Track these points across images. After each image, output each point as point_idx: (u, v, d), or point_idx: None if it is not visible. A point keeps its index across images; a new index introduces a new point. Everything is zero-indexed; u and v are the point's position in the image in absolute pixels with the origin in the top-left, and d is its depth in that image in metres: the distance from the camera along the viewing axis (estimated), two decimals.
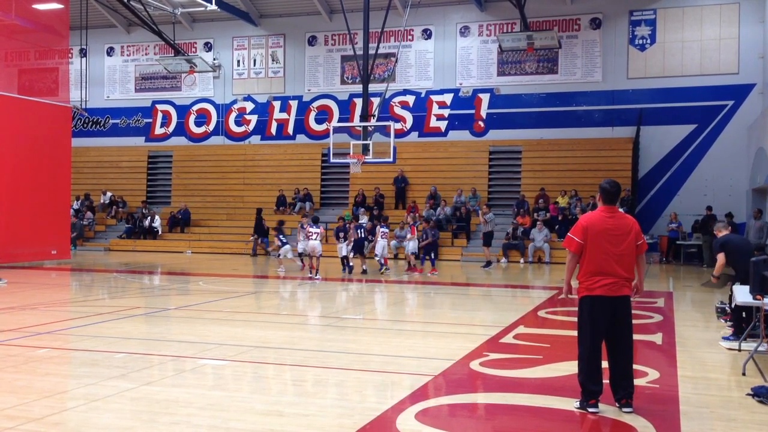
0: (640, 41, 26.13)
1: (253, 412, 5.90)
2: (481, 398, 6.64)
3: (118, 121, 32.31)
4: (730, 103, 24.97)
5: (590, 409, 5.98)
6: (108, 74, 32.40)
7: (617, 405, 6.03)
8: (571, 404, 6.14)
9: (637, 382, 6.68)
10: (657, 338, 9.64)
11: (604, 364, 6.15)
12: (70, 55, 25.86)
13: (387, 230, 19.53)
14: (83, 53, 29.73)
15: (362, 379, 7.18)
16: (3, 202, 19.41)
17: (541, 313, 11.87)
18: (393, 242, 24.71)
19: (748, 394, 6.57)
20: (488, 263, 20.94)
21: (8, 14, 21.59)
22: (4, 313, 11.15)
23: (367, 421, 5.69)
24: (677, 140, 25.48)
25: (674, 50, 25.72)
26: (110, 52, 32.38)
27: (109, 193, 30.11)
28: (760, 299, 7.56)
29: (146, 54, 31.85)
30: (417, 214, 25.70)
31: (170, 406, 6.04)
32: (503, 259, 23.21)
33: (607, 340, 6.12)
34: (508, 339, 9.43)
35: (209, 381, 7.07)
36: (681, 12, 25.69)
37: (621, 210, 6.39)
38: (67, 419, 5.64)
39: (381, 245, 18.99)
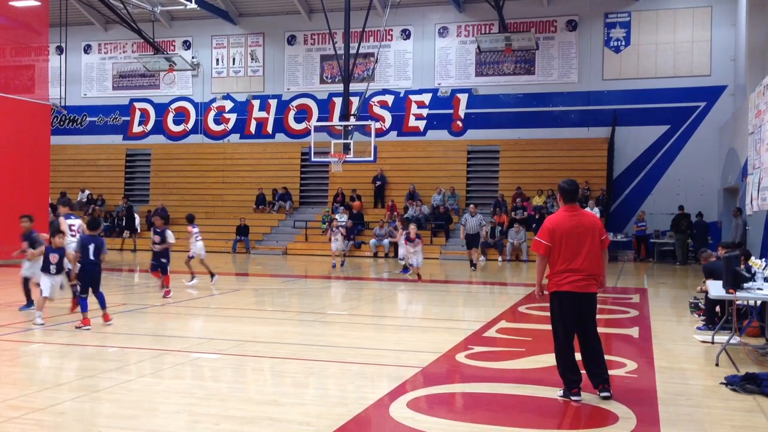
0: (615, 43, 26.64)
1: (251, 402, 6.12)
2: (469, 388, 6.89)
3: (95, 119, 32.16)
4: (703, 104, 25.57)
5: (573, 398, 6.26)
6: (85, 72, 32.24)
7: (597, 393, 6.32)
8: (555, 393, 6.42)
9: (615, 372, 7.01)
10: (633, 332, 9.99)
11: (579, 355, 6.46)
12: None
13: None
14: (60, 51, 29.56)
15: (353, 370, 7.41)
16: None
17: (522, 309, 12.18)
18: (372, 241, 24.98)
19: (722, 383, 6.91)
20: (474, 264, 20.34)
21: None
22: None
23: (362, 409, 5.93)
24: (651, 141, 26.03)
25: (648, 52, 26.27)
26: (87, 49, 32.21)
27: (86, 191, 29.97)
28: (732, 293, 7.90)
29: (124, 52, 31.75)
30: (396, 213, 25.97)
31: (170, 396, 6.24)
32: (482, 258, 23.51)
33: (579, 333, 6.41)
34: (491, 333, 9.72)
35: (205, 373, 7.27)
36: (655, 15, 26.24)
37: (596, 209, 6.70)
38: (71, 409, 5.80)
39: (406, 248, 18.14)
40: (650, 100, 26.05)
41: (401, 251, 18.02)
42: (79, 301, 9.67)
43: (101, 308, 9.65)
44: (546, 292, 6.56)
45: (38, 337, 8.97)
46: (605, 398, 6.22)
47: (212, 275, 15.32)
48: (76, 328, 9.28)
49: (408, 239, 16.43)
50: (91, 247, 9.65)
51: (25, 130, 20.94)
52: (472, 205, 21.44)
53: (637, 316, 11.46)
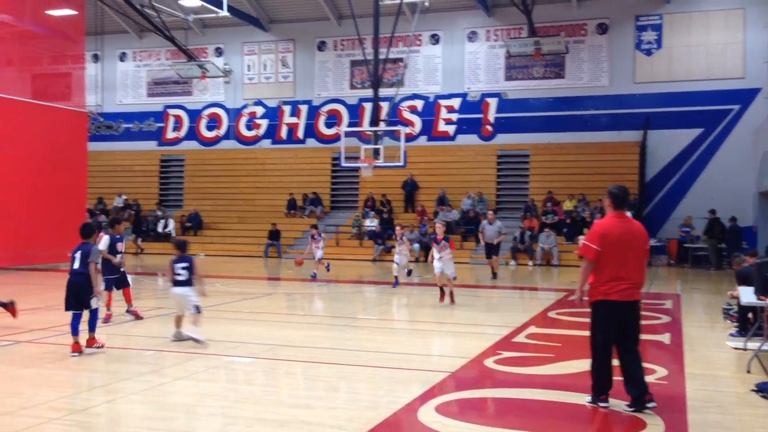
0: (647, 46, 26.43)
1: (284, 405, 6.26)
2: (497, 393, 6.96)
3: (130, 125, 32.75)
4: (737, 107, 25.23)
5: (601, 404, 6.28)
6: (120, 79, 32.85)
7: (642, 404, 6.12)
8: (583, 399, 6.44)
9: (645, 379, 6.97)
10: (665, 338, 9.94)
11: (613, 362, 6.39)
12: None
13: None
14: (96, 59, 30.20)
15: (383, 375, 7.52)
16: (21, 205, 19.80)
17: (552, 314, 12.17)
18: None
19: (753, 390, 6.87)
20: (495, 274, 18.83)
21: (22, 20, 22.01)
22: (32, 313, 11.53)
23: (391, 413, 6.03)
24: (684, 144, 25.75)
25: (680, 55, 26.01)
26: (123, 57, 32.82)
27: (123, 197, 30.50)
28: (764, 299, 7.85)
29: (158, 59, 32.29)
30: (426, 217, 26.03)
31: (204, 399, 6.40)
32: (512, 262, 23.49)
33: (618, 342, 6.29)
34: (521, 338, 9.75)
35: (239, 376, 7.44)
36: (687, 17, 25.98)
37: (628, 213, 6.65)
38: (109, 410, 5.99)
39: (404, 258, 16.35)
40: (683, 103, 25.78)
41: (398, 258, 16.11)
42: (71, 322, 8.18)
43: (88, 331, 8.27)
44: (585, 298, 6.44)
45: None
46: (652, 408, 6.06)
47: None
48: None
49: (434, 241, 13.44)
50: (78, 255, 8.26)
51: (63, 137, 21.45)
52: (490, 212, 20.06)
53: (669, 322, 11.39)
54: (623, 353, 6.28)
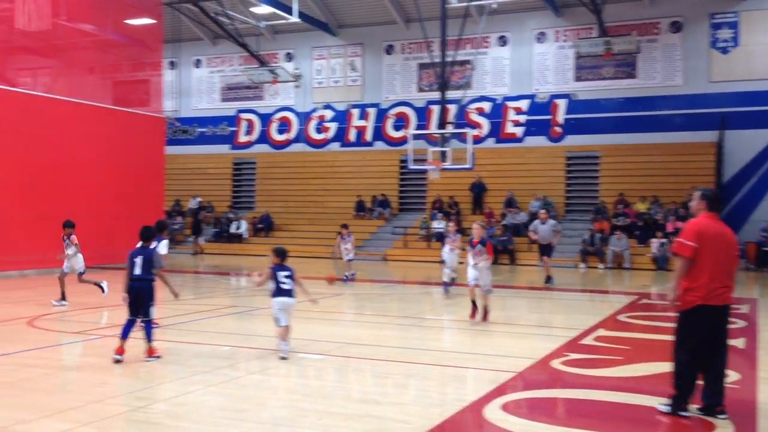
0: (723, 44, 25.70)
1: (352, 400, 6.47)
2: (563, 393, 7.00)
3: (205, 129, 33.78)
4: None
5: (682, 413, 6.05)
6: (195, 85, 33.93)
7: (713, 414, 6.02)
8: (652, 401, 6.35)
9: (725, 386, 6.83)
10: (739, 342, 9.72)
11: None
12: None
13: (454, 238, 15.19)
14: (173, 65, 31.32)
15: (448, 373, 7.65)
16: (103, 207, 20.71)
17: (621, 317, 12.05)
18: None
19: None
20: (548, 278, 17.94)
21: (104, 30, 23.01)
22: (114, 310, 12.11)
23: (456, 410, 6.16)
24: (763, 144, 24.94)
25: (758, 52, 25.21)
26: (198, 63, 33.88)
27: (198, 199, 31.46)
28: None
29: (231, 65, 33.20)
30: (494, 219, 25.96)
31: (276, 392, 6.70)
32: (581, 265, 23.21)
33: (707, 346, 6.10)
34: (588, 341, 9.71)
35: (309, 372, 7.71)
36: (764, 14, 25.16)
37: None
38: (189, 401, 6.33)
39: (454, 257, 15.05)
40: (761, 102, 24.97)
41: (448, 259, 14.87)
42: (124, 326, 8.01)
43: (146, 340, 8.00)
44: (677, 303, 6.12)
45: (157, 335, 9.64)
46: (723, 419, 5.95)
47: (101, 287, 12.91)
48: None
49: (470, 244, 11.56)
50: (138, 260, 8.10)
51: (142, 142, 22.34)
52: (542, 211, 18.39)
53: (745, 327, 11.13)
54: (709, 357, 6.12)
